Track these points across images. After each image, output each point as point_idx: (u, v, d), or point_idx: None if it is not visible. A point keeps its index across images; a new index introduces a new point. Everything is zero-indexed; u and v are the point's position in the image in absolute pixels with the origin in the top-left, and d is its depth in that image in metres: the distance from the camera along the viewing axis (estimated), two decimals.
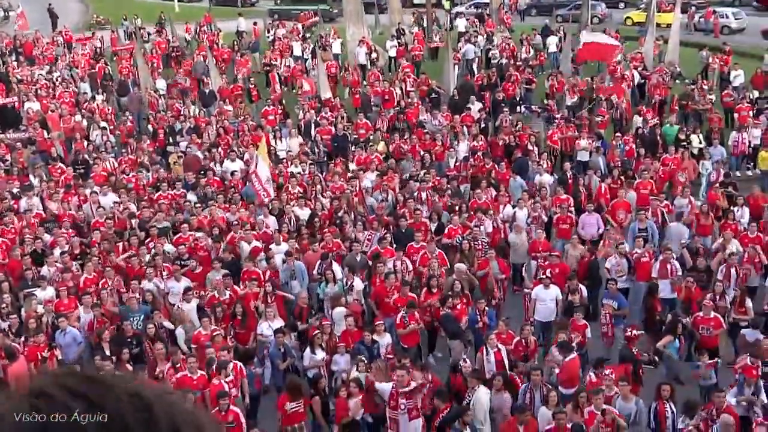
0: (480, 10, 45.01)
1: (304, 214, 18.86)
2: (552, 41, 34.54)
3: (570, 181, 20.46)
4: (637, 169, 21.02)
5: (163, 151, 24.05)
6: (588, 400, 11.93)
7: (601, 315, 15.24)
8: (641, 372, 13.45)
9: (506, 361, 13.55)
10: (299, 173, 21.33)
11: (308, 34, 39.39)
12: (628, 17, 45.58)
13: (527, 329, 14.36)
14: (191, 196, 20.22)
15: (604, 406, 11.76)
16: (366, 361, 13.24)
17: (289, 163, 22.21)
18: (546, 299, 15.27)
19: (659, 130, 23.94)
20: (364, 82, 30.58)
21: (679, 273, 15.87)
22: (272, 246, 17.23)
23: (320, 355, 13.93)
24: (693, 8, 42.97)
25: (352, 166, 22.05)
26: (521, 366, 13.44)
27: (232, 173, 21.49)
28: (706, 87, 27.52)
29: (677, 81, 30.03)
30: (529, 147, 22.59)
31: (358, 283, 15.91)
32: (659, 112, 26.04)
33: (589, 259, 16.66)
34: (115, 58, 35.64)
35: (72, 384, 1.22)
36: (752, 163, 23.41)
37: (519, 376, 13.20)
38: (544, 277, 15.53)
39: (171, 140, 24.70)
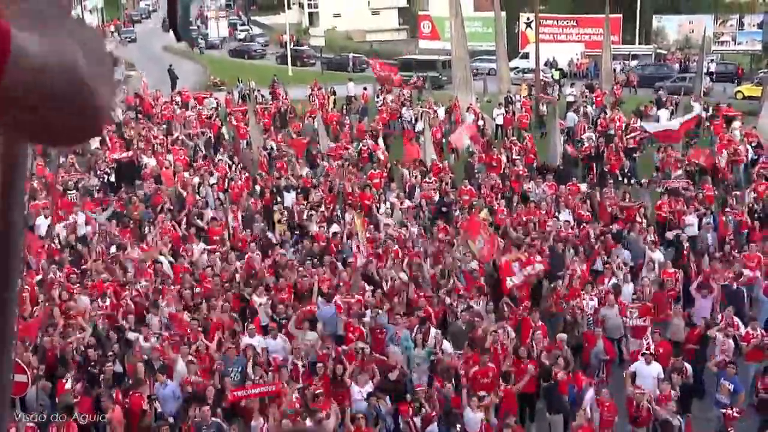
0: (590, 81, 44.97)
1: (401, 277, 18.85)
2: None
3: (684, 255, 19.86)
4: (752, 241, 20.46)
5: (266, 209, 24.45)
6: None
7: (716, 395, 14.64)
8: None
9: None
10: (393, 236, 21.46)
11: (418, 102, 39.83)
12: (738, 91, 44.76)
13: (637, 393, 13.88)
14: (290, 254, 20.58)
15: None
16: None
17: (387, 227, 22.36)
18: (647, 376, 14.75)
19: None
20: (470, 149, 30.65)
21: None
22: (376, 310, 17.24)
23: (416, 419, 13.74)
24: None
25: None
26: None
27: (334, 234, 21.75)
28: None
29: None
30: (638, 219, 22.12)
31: (448, 347, 15.69)
32: None
33: (700, 334, 16.06)
34: (228, 119, 36.75)
35: None
36: None
37: None
38: (646, 352, 15.03)
39: (277, 200, 25.18)
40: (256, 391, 14.03)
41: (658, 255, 19.97)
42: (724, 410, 13.82)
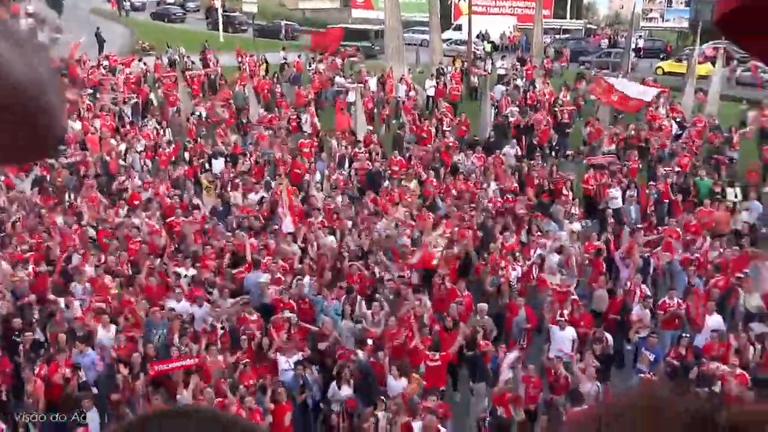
0: (521, 54, 45.38)
1: (328, 242, 18.85)
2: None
3: (607, 228, 20.24)
4: (675, 214, 21.03)
5: (195, 177, 24.14)
6: None
7: (637, 365, 15.04)
8: None
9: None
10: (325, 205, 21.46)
11: (349, 71, 39.64)
12: (659, 67, 45.73)
13: (557, 363, 14.14)
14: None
15: None
16: (386, 402, 13.08)
17: (319, 194, 22.33)
18: (562, 338, 15.02)
19: (691, 179, 23.76)
20: (401, 120, 30.65)
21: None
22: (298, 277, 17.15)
23: (346, 391, 13.81)
24: (735, 62, 42.78)
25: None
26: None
27: (260, 201, 21.61)
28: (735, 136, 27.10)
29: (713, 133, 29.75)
30: (564, 192, 22.46)
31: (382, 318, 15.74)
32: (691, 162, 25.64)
33: (622, 301, 16.47)
34: (156, 85, 36.06)
35: None
36: None
37: None
38: (561, 319, 15.32)
39: (206, 167, 24.88)
40: (178, 364, 13.86)
41: (576, 226, 20.31)
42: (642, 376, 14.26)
